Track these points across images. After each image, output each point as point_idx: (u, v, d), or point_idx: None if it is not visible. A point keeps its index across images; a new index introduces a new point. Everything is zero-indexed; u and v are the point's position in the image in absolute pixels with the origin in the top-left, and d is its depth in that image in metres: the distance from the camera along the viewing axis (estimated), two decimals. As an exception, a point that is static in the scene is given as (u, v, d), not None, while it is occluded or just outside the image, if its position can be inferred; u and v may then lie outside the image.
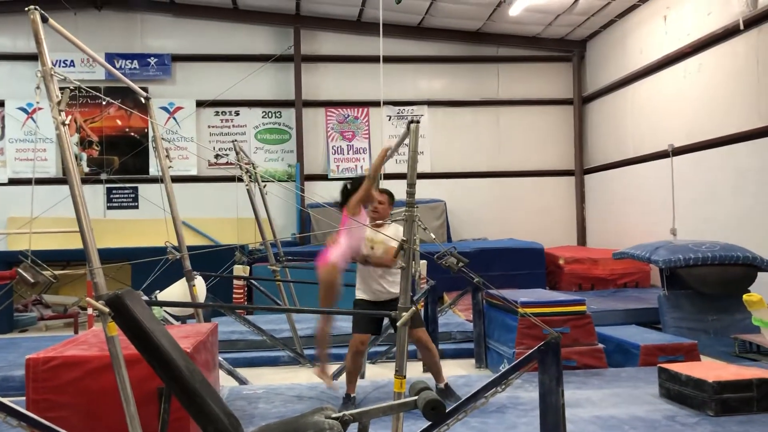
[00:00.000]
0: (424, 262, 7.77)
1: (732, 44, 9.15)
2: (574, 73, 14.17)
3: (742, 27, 8.81)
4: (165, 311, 6.76)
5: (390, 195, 5.03)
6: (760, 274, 7.74)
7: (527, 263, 11.14)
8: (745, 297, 3.31)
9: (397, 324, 3.41)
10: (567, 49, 14.06)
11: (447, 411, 3.27)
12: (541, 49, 14.09)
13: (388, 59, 11.55)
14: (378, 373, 6.30)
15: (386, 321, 5.42)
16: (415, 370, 6.33)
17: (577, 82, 14.11)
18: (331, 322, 5.30)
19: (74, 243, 9.14)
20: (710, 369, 5.00)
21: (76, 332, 9.18)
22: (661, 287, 8.17)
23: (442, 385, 5.01)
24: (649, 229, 10.97)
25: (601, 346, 6.26)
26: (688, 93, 10.23)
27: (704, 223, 9.66)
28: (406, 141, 3.84)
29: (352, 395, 4.90)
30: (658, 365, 5.15)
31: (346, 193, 4.93)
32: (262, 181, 7.85)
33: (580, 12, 12.17)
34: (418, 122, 3.73)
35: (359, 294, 5.07)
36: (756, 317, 3.35)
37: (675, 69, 10.58)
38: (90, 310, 8.79)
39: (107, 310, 2.75)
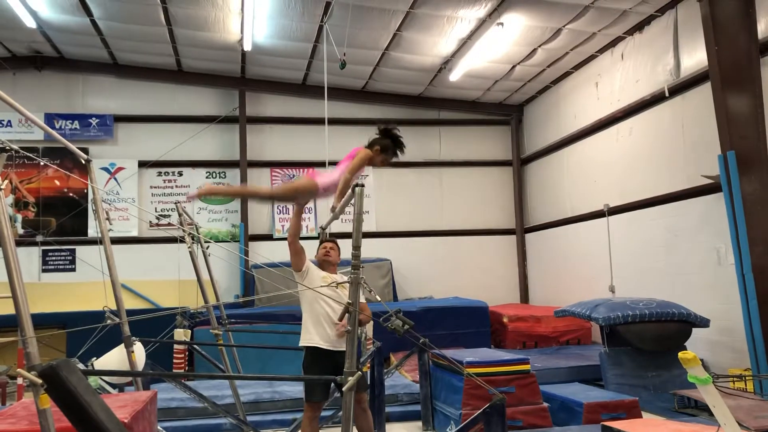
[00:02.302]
0: (370, 323, 7.73)
1: (659, 110, 9.68)
2: (512, 136, 14.67)
3: (667, 94, 9.35)
4: (102, 379, 6.50)
5: (336, 241, 5.19)
6: (694, 330, 7.99)
7: (472, 322, 11.20)
8: (680, 355, 3.41)
9: (343, 389, 3.37)
10: (505, 113, 14.58)
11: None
12: (481, 112, 14.57)
13: (333, 121, 11.73)
14: (323, 439, 6.16)
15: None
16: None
17: (516, 144, 14.59)
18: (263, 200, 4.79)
19: (5, 308, 8.75)
20: (651, 426, 5.08)
21: (2, 404, 8.68)
22: (602, 344, 8.33)
23: None
24: (589, 286, 11.24)
25: (545, 404, 6.29)
26: (621, 155, 10.70)
27: (640, 280, 9.97)
28: (352, 201, 3.89)
29: None
30: (602, 423, 5.20)
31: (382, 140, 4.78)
32: (205, 242, 7.75)
33: (516, 78, 12.70)
34: (362, 186, 3.79)
35: (312, 340, 4.79)
36: (691, 375, 3.44)
37: (608, 132, 11.08)
38: (20, 380, 8.36)
39: (40, 381, 2.63)
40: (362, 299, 4.63)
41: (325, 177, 4.55)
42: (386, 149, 4.75)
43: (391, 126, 4.78)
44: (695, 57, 8.77)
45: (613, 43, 10.76)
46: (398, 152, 4.79)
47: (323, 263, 5.12)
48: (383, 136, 4.72)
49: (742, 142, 7.16)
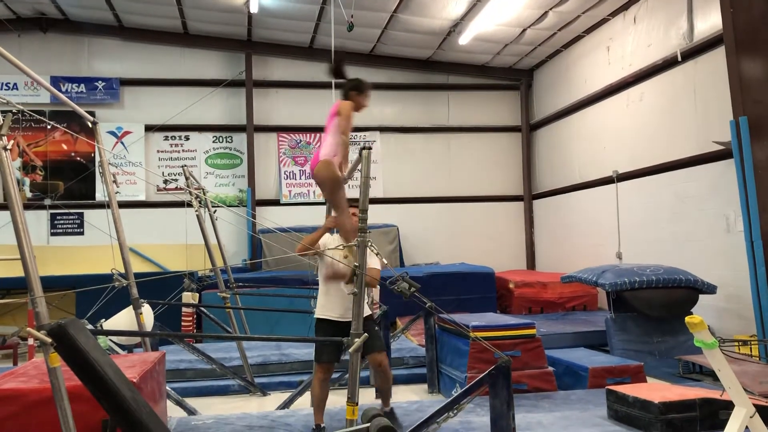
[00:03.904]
0: (377, 287, 7.75)
1: (671, 75, 9.53)
2: (521, 101, 14.52)
3: (679, 59, 9.20)
4: (111, 340, 6.58)
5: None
6: (701, 297, 8.00)
7: (478, 287, 11.25)
8: (687, 319, 3.41)
9: (349, 351, 3.40)
10: (515, 77, 14.40)
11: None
12: (490, 77, 14.40)
13: (341, 86, 11.61)
14: (330, 401, 6.22)
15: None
16: (367, 397, 6.29)
17: (525, 109, 14.45)
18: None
19: (15, 271, 8.84)
20: (656, 390, 5.11)
21: (15, 364, 8.82)
22: (608, 310, 8.35)
23: (387, 409, 4.98)
24: (596, 252, 11.23)
25: (551, 369, 6.33)
26: (631, 121, 10.59)
27: (648, 246, 9.95)
28: (359, 166, 3.87)
29: (322, 426, 4.81)
30: (606, 387, 5.24)
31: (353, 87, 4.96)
32: (212, 207, 7.76)
33: (526, 42, 12.51)
34: (370, 149, 3.77)
35: (323, 313, 4.78)
36: (697, 339, 3.45)
37: (618, 98, 10.95)
38: (31, 341, 8.48)
39: (49, 340, 2.66)
40: (376, 265, 4.63)
41: (326, 148, 4.56)
42: (359, 87, 4.95)
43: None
44: (709, 20, 8.61)
45: (625, 6, 10.56)
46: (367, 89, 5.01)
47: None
48: (349, 81, 4.97)
49: (755, 107, 7.06)
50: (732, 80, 7.26)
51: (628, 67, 10.57)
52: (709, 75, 8.65)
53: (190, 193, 7.09)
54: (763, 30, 7.21)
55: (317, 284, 6.10)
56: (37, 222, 12.44)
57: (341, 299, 4.72)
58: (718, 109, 8.19)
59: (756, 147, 7.01)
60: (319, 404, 4.80)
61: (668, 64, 9.50)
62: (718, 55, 8.07)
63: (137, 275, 5.45)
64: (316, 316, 4.85)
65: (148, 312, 5.89)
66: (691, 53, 9.01)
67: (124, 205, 7.35)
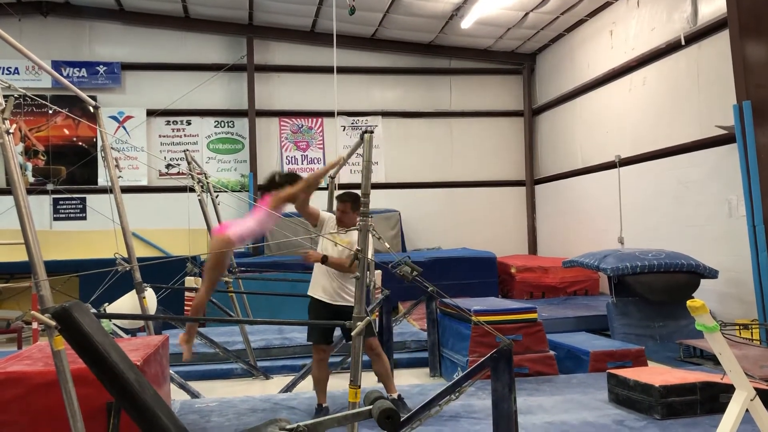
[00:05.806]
0: (378, 271, 7.78)
1: (674, 59, 9.48)
2: (524, 86, 14.45)
3: (683, 42, 9.14)
4: (114, 324, 6.61)
5: (353, 200, 4.81)
6: (703, 281, 8.01)
7: (480, 272, 11.26)
8: (688, 303, 3.42)
9: (352, 334, 3.41)
10: (517, 61, 14.33)
11: (402, 420, 3.28)
12: (493, 61, 14.33)
13: (342, 70, 11.58)
14: (333, 384, 6.26)
15: (337, 332, 5.38)
16: (369, 380, 6.33)
17: (528, 94, 14.39)
18: (211, 292, 4.68)
19: (19, 255, 8.85)
20: (657, 374, 5.14)
21: (19, 348, 8.87)
22: (609, 294, 8.37)
23: (395, 396, 4.98)
24: (598, 237, 11.23)
25: (552, 353, 6.37)
26: (634, 105, 10.54)
27: (650, 231, 9.94)
28: (360, 150, 3.87)
29: (324, 405, 4.86)
30: (607, 371, 5.27)
31: (272, 184, 4.61)
32: (215, 191, 7.76)
33: (529, 26, 12.44)
34: (371, 132, 3.76)
35: (313, 291, 4.96)
36: (699, 323, 3.46)
37: (621, 82, 10.89)
38: (35, 325, 8.51)
39: (54, 323, 2.67)
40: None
41: (238, 226, 4.36)
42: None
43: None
44: (713, 3, 8.54)
45: (629, -10, 10.49)
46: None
47: (338, 222, 4.94)
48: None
49: (758, 92, 7.03)
50: (736, 64, 7.23)
51: (631, 51, 10.51)
52: (712, 59, 8.60)
53: (193, 177, 7.09)
54: (767, 12, 7.16)
55: (319, 268, 6.03)
56: (40, 207, 12.44)
57: (328, 281, 4.86)
58: (722, 93, 8.15)
59: (759, 131, 7.00)
60: (317, 384, 4.88)
61: (671, 48, 9.45)
62: (722, 39, 8.02)
63: (140, 260, 5.46)
64: (308, 294, 5.00)
65: (151, 296, 5.91)
66: (695, 37, 8.95)
67: (126, 189, 7.31)
